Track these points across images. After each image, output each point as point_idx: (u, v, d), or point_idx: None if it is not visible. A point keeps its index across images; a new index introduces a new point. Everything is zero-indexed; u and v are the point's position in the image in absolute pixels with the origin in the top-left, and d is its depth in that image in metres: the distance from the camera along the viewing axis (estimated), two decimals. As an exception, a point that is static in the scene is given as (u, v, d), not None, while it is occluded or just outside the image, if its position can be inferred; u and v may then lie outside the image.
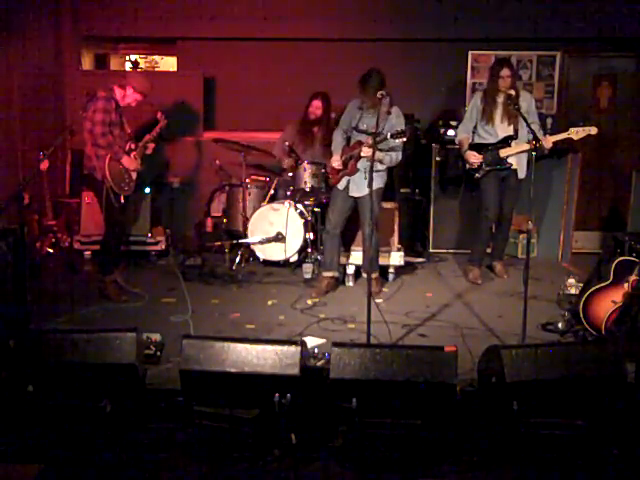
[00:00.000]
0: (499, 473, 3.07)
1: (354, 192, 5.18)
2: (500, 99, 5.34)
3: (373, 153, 4.25)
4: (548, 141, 5.18)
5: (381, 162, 5.03)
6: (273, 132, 6.73)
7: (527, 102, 5.39)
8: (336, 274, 5.42)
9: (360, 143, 5.06)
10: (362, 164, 5.07)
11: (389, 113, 5.02)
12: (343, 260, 5.57)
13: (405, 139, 4.79)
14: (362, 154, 5.01)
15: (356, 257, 5.55)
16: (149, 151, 5.34)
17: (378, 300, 5.04)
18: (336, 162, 5.22)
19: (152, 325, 4.33)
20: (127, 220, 5.72)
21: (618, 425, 3.22)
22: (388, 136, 4.75)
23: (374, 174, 4.95)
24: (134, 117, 5.37)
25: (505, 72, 5.29)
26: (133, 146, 5.16)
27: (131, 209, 5.61)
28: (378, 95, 4.44)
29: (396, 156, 5.09)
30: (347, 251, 5.59)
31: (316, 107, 6.07)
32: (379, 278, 5.44)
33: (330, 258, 5.37)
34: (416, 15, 6.95)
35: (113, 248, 5.22)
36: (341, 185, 5.24)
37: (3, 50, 6.06)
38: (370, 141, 4.92)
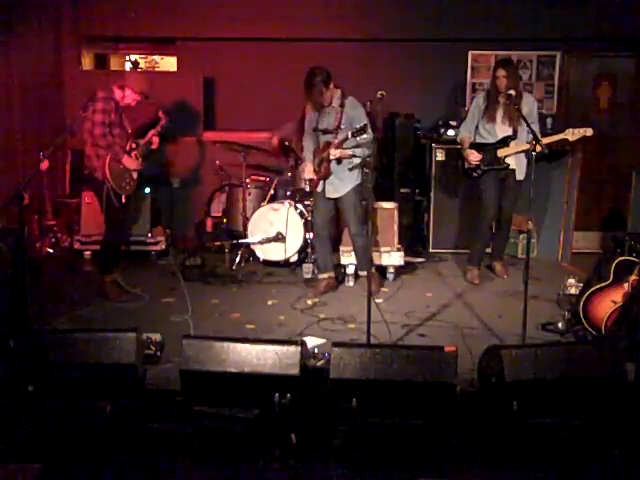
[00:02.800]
0: (499, 473, 3.07)
1: (330, 194, 5.19)
2: (502, 99, 5.34)
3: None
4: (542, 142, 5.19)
5: (355, 156, 5.00)
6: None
7: (529, 105, 5.39)
8: (332, 274, 5.42)
9: (328, 144, 5.06)
10: (335, 165, 5.07)
11: (342, 106, 5.01)
12: (342, 260, 5.58)
13: (366, 135, 4.74)
14: (331, 157, 5.00)
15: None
16: (154, 145, 5.32)
17: (378, 300, 5.04)
18: (309, 173, 5.19)
19: (152, 325, 4.33)
20: (127, 220, 5.71)
21: (618, 425, 3.22)
22: (349, 135, 4.75)
23: (348, 172, 4.99)
24: (135, 116, 5.36)
25: (500, 72, 5.31)
26: (134, 145, 5.16)
27: (131, 209, 5.60)
28: (378, 95, 4.44)
29: (368, 150, 5.00)
30: (346, 251, 5.59)
31: None
32: (377, 276, 5.44)
33: (323, 260, 5.38)
34: (416, 15, 6.96)
35: (113, 248, 5.22)
36: (319, 187, 5.23)
37: (3, 50, 6.06)
38: (337, 142, 4.94)
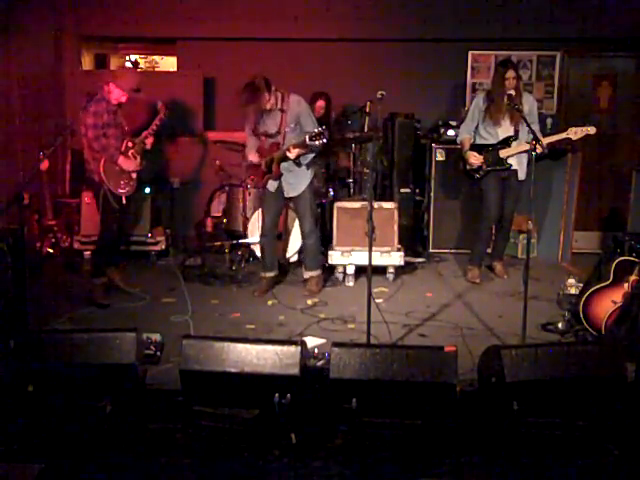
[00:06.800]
0: (499, 473, 3.07)
1: (290, 193, 5.18)
2: (503, 100, 5.34)
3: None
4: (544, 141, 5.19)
5: (312, 152, 5.03)
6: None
7: (529, 104, 5.40)
8: (276, 273, 5.42)
9: (275, 145, 5.03)
10: (289, 164, 5.05)
11: (283, 110, 4.98)
12: (342, 260, 5.58)
13: (325, 140, 4.69)
14: (288, 155, 4.93)
15: (356, 257, 5.55)
16: (148, 146, 5.26)
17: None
18: (254, 157, 5.17)
19: (152, 325, 4.33)
20: (127, 220, 5.71)
21: (618, 425, 3.22)
22: (307, 140, 4.72)
23: (303, 170, 5.09)
24: (131, 112, 5.31)
25: (510, 74, 5.29)
26: (130, 144, 5.11)
27: (131, 209, 5.59)
28: (378, 95, 4.43)
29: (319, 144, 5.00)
30: (346, 251, 5.60)
31: (320, 107, 6.13)
32: (320, 277, 5.41)
33: (270, 260, 5.38)
34: (416, 15, 6.96)
35: (107, 251, 5.18)
36: (272, 187, 5.19)
37: (3, 50, 6.06)
38: (293, 143, 4.90)
